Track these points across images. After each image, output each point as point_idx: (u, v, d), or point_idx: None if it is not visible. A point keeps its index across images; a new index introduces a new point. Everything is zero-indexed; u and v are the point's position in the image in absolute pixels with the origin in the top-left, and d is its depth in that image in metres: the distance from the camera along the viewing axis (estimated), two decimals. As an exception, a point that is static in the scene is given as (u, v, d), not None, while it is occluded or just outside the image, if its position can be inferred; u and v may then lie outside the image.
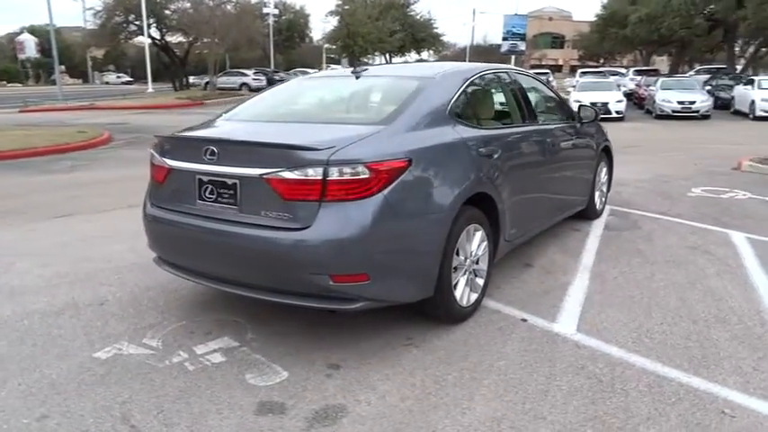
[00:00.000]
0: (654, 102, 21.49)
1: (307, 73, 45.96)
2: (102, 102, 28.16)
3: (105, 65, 71.69)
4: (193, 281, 3.65)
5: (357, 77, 4.13)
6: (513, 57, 31.20)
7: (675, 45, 37.69)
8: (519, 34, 29.59)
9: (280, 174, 3.00)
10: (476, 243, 3.73)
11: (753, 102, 19.93)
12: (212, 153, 3.20)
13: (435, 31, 36.10)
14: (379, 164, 2.99)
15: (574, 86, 25.15)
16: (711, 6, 26.86)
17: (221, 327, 3.70)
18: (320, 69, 33.54)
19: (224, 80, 39.19)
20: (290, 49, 56.26)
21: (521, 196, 4.25)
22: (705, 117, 20.20)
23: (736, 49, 32.08)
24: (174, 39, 40.99)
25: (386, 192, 3.01)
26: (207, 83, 39.08)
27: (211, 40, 34.11)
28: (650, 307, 4.01)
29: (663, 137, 15.92)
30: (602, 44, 41.06)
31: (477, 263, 3.79)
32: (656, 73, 30.17)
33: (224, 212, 3.26)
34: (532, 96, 4.91)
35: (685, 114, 20.17)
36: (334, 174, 2.92)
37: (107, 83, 64.11)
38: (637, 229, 5.95)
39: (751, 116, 19.93)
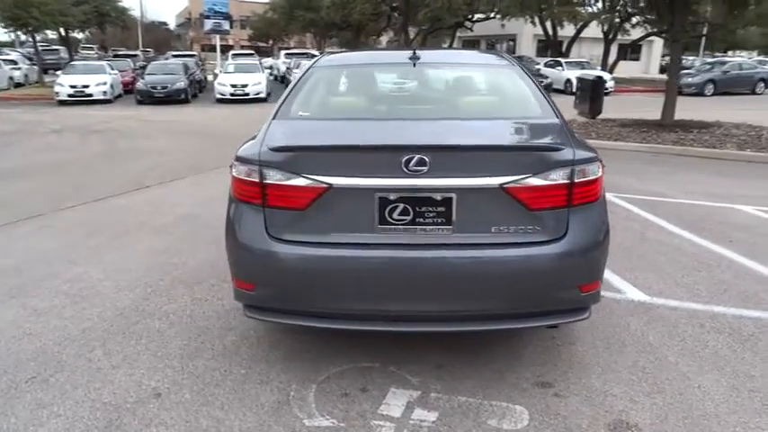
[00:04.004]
0: None
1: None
2: None
3: None
4: (330, 327, 2.85)
5: (414, 65, 3.65)
6: (217, 36, 29.93)
7: (352, 28, 41.35)
8: (222, 12, 28.27)
9: (526, 181, 2.57)
10: None
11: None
12: (421, 163, 2.52)
13: (120, 4, 31.94)
14: (600, 160, 2.82)
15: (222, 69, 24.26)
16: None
17: (366, 378, 3.00)
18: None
19: None
20: None
21: None
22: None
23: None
24: None
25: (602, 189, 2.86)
26: None
27: None
28: (655, 264, 4.66)
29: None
30: (289, 26, 42.41)
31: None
32: (307, 56, 30.78)
33: (427, 236, 2.63)
34: None
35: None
36: (577, 175, 2.65)
37: None
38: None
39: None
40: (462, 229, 2.63)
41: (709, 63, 26.21)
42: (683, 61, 39.04)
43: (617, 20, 26.79)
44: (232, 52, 32.15)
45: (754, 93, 24.46)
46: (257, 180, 2.70)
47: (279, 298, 2.78)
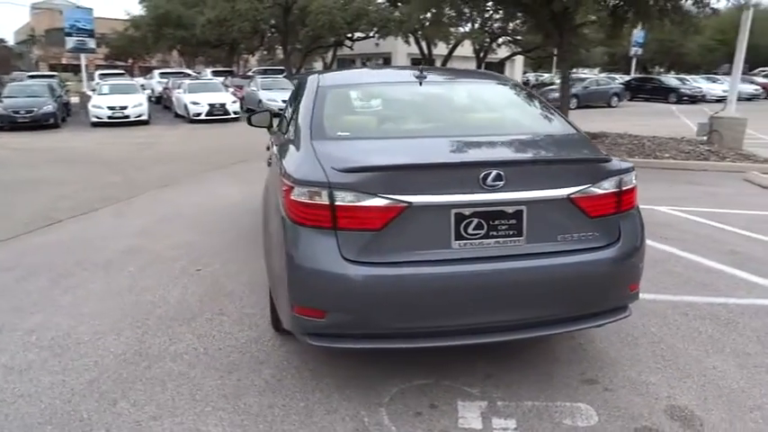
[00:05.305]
0: (184, 105, 20.57)
1: None
2: None
3: None
4: (409, 347, 2.84)
5: (420, 83, 3.74)
6: (82, 56, 27.50)
7: (226, 46, 40.31)
8: (86, 30, 25.95)
9: (589, 191, 2.78)
10: None
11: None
12: (498, 178, 2.62)
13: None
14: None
15: (95, 90, 22.22)
16: (263, 13, 29.83)
17: (428, 395, 3.03)
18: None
19: None
20: None
21: None
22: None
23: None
24: None
25: None
26: None
27: None
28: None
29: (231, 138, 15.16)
30: (157, 44, 40.43)
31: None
32: (184, 75, 28.67)
33: (501, 248, 2.73)
34: None
35: (218, 117, 19.94)
36: (623, 183, 2.91)
37: None
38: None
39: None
40: (532, 239, 2.77)
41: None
42: (541, 78, 42.94)
43: (487, 39, 28.78)
44: (99, 72, 29.94)
45: (609, 105, 27.41)
46: (326, 203, 2.63)
47: (352, 322, 2.72)
